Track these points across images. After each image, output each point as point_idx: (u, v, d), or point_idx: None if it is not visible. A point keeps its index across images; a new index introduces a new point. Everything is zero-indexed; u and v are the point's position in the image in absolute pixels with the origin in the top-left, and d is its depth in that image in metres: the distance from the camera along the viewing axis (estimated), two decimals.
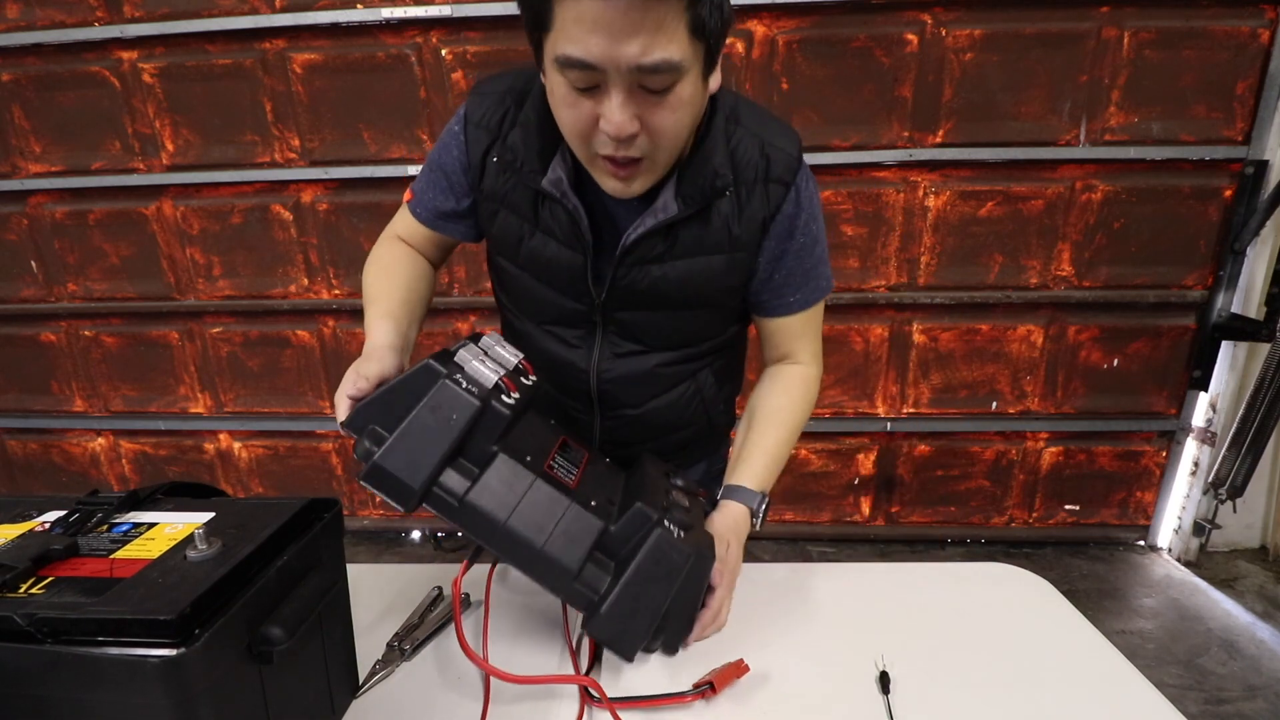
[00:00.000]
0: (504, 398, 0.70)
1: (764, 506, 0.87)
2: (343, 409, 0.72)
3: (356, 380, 0.72)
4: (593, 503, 0.73)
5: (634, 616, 0.70)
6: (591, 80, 0.64)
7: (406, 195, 0.92)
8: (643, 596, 0.70)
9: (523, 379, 0.77)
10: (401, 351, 0.80)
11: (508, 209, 0.83)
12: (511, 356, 0.78)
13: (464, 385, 0.67)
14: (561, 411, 0.94)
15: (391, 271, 0.90)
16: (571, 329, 0.88)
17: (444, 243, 0.95)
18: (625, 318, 0.86)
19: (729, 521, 0.84)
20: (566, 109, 0.68)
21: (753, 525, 0.87)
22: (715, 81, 0.72)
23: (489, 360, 0.73)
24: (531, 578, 0.71)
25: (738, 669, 0.73)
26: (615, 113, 0.64)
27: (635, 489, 0.77)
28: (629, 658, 0.71)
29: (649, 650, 0.75)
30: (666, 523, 0.72)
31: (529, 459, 0.72)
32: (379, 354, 0.75)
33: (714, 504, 0.87)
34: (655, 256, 0.80)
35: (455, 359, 0.71)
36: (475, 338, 0.77)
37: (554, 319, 0.89)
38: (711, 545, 0.76)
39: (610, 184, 0.73)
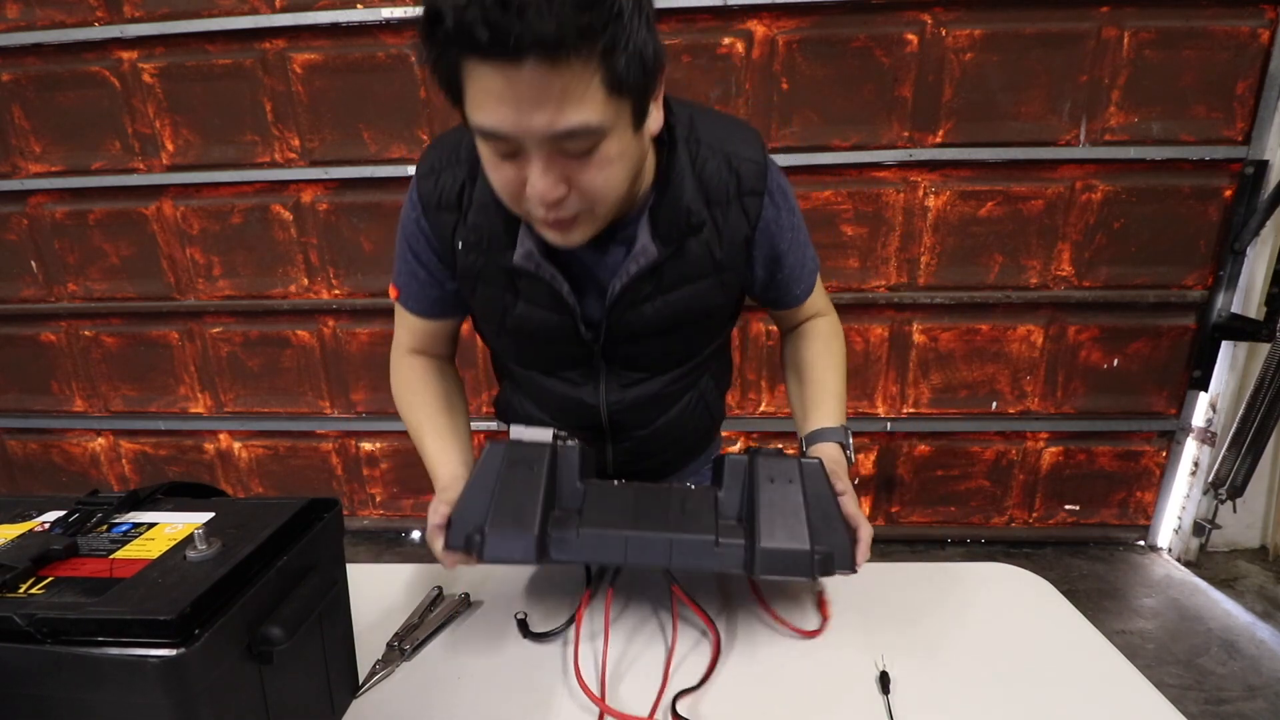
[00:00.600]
0: (568, 442, 0.74)
1: (850, 439, 0.87)
2: (439, 539, 0.72)
3: (438, 507, 0.74)
4: (691, 485, 0.76)
5: (787, 538, 0.69)
6: (510, 148, 0.62)
7: (393, 293, 0.90)
8: (781, 514, 0.70)
9: (567, 441, 0.80)
10: None
11: (484, 283, 0.81)
12: (544, 430, 0.80)
13: (529, 435, 0.74)
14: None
15: (424, 393, 0.91)
16: (574, 370, 0.88)
17: (450, 330, 0.94)
18: (626, 351, 0.86)
19: (835, 464, 0.82)
20: (493, 172, 0.66)
21: (846, 459, 0.86)
22: (655, 123, 0.69)
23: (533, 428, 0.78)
24: (677, 566, 0.71)
25: None
26: (537, 181, 0.62)
27: (720, 461, 0.78)
28: (810, 574, 0.69)
29: (827, 573, 0.72)
30: (764, 448, 0.74)
31: (617, 482, 0.76)
32: (457, 485, 0.77)
33: None
34: (645, 296, 0.80)
35: (512, 436, 0.75)
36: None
37: (554, 366, 0.89)
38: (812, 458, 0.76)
39: (550, 236, 0.70)
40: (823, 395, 0.91)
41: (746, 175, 0.78)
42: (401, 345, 0.94)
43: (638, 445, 0.95)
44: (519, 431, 0.75)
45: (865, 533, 0.75)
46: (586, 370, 0.87)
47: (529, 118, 0.58)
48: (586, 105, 0.58)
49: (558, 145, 0.60)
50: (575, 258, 0.79)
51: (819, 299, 0.95)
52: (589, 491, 0.73)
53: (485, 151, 0.65)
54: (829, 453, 0.84)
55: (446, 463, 0.85)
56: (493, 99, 0.58)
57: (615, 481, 0.76)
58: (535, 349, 0.87)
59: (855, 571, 0.74)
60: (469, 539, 0.70)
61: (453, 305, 0.89)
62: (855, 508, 0.77)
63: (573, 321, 0.81)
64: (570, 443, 0.74)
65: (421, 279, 0.85)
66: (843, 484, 0.78)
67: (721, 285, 0.82)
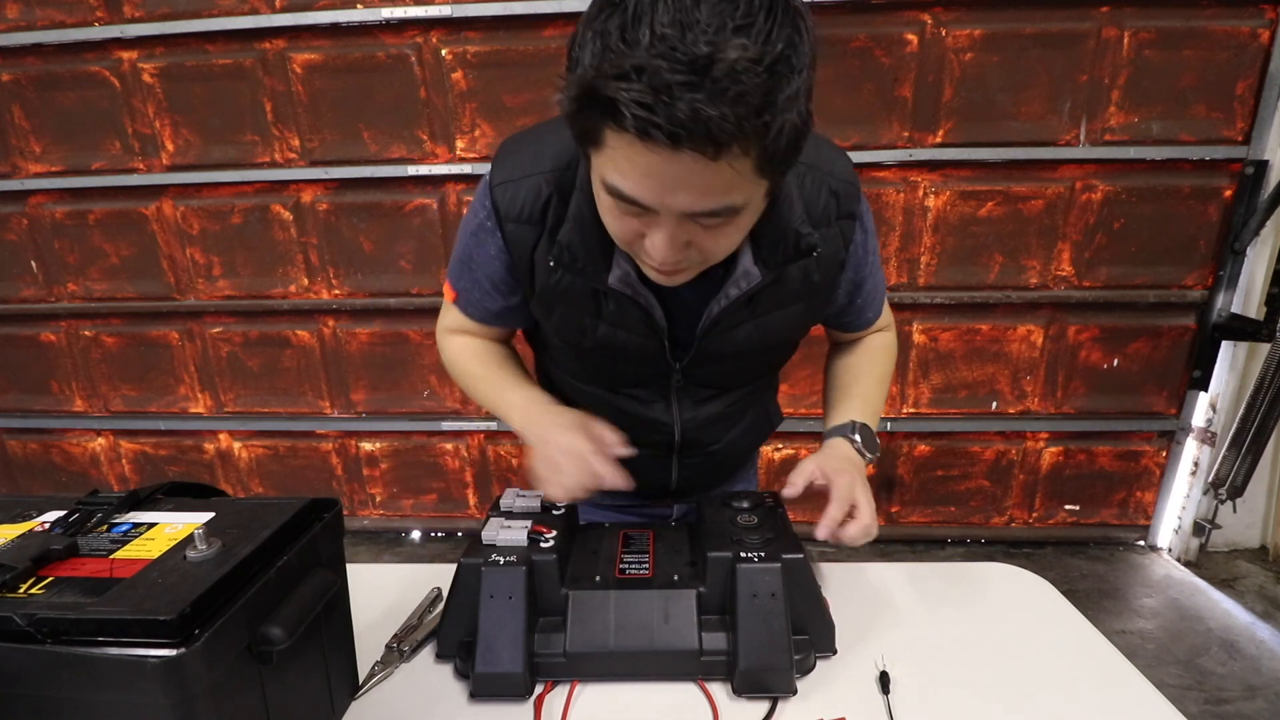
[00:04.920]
0: (543, 544, 0.74)
1: (858, 431, 0.83)
2: (608, 468, 0.71)
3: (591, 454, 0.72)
4: (675, 577, 0.75)
5: (769, 653, 0.70)
6: (639, 209, 0.59)
7: (449, 293, 0.85)
8: (763, 631, 0.70)
9: (554, 510, 0.81)
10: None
11: (565, 304, 0.77)
12: (534, 498, 0.83)
13: (503, 561, 0.71)
14: (633, 466, 0.91)
15: (487, 355, 0.88)
16: (644, 388, 0.85)
17: (506, 335, 0.91)
18: (706, 370, 0.83)
19: (832, 455, 0.80)
20: (611, 219, 0.63)
21: (855, 447, 0.82)
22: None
23: (514, 519, 0.78)
24: (663, 679, 0.73)
25: None
26: (661, 245, 0.60)
27: (704, 537, 0.77)
28: (790, 691, 0.70)
29: (809, 670, 0.74)
30: (743, 554, 0.72)
31: (598, 578, 0.75)
32: (564, 411, 0.77)
33: (779, 502, 0.85)
34: (739, 320, 0.77)
35: (484, 541, 0.74)
36: (495, 506, 0.83)
37: (623, 384, 0.86)
38: (797, 543, 0.75)
39: (653, 276, 0.68)
40: (841, 396, 0.89)
41: (845, 197, 0.75)
42: (447, 328, 0.90)
43: (704, 460, 0.93)
44: (493, 535, 0.74)
45: (853, 531, 0.73)
46: (660, 388, 0.85)
47: (673, 196, 0.55)
48: (734, 190, 0.56)
49: (692, 216, 0.58)
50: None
51: (884, 317, 0.94)
52: (571, 603, 0.73)
53: (606, 200, 0.61)
54: (834, 449, 0.82)
55: (531, 392, 0.83)
56: (638, 171, 0.55)
57: (596, 577, 0.75)
58: (611, 368, 0.84)
59: (833, 653, 0.76)
60: (457, 661, 0.75)
61: (512, 319, 0.85)
62: (865, 511, 0.74)
63: (659, 344, 0.78)
64: (546, 543, 0.74)
65: (484, 288, 0.81)
66: (857, 491, 0.74)
67: (811, 310, 0.81)
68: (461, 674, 0.74)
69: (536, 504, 0.82)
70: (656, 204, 0.56)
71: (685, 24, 0.48)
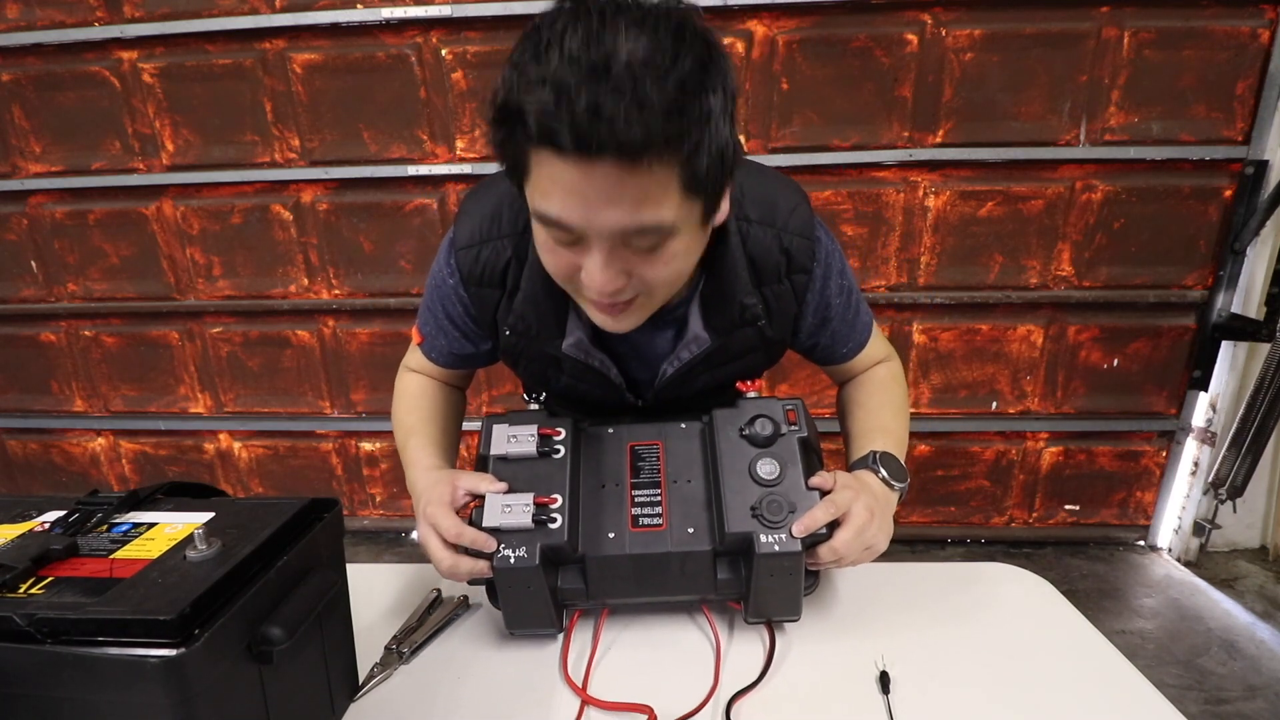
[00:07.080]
0: (550, 525, 0.71)
1: (878, 460, 0.78)
2: (447, 556, 0.71)
3: (452, 505, 0.73)
4: (690, 529, 0.74)
5: (780, 602, 0.75)
6: (571, 237, 0.59)
7: (415, 337, 0.89)
8: (775, 591, 0.73)
9: (553, 454, 0.76)
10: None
11: (528, 359, 0.82)
12: (529, 437, 0.75)
13: (514, 557, 0.70)
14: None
15: (421, 399, 0.91)
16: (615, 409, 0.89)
17: (468, 376, 0.96)
18: (669, 405, 0.86)
19: (854, 476, 0.76)
20: (548, 254, 0.63)
21: (880, 477, 0.77)
22: (723, 214, 0.65)
23: (512, 492, 0.73)
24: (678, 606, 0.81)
25: None
26: (597, 273, 0.59)
27: (719, 481, 0.73)
28: (796, 617, 0.77)
29: (811, 591, 0.77)
30: (764, 537, 0.69)
31: (612, 534, 0.74)
32: (447, 475, 0.77)
33: (804, 422, 0.79)
34: (695, 375, 0.80)
35: (485, 525, 0.71)
36: (485, 441, 0.77)
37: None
38: (821, 497, 0.71)
39: (600, 319, 0.68)
40: (858, 434, 0.85)
41: (797, 253, 0.76)
42: (408, 366, 0.95)
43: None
44: (494, 515, 0.71)
45: (824, 557, 0.71)
46: (626, 409, 0.88)
47: (599, 214, 0.55)
48: (662, 205, 0.56)
49: (624, 240, 0.58)
50: (625, 338, 0.77)
51: (876, 350, 0.91)
52: (589, 567, 0.73)
53: (541, 235, 0.62)
54: (864, 479, 0.77)
55: (426, 468, 0.83)
56: (562, 190, 0.55)
57: (610, 534, 0.73)
58: (578, 405, 0.88)
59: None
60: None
61: (477, 360, 0.89)
62: (859, 520, 0.70)
63: (619, 395, 0.82)
64: (553, 523, 0.71)
65: (451, 336, 0.85)
66: (848, 493, 0.71)
67: (769, 356, 0.84)
68: (494, 604, 0.77)
69: (532, 449, 0.75)
70: (583, 224, 0.56)
71: (591, 42, 0.50)
